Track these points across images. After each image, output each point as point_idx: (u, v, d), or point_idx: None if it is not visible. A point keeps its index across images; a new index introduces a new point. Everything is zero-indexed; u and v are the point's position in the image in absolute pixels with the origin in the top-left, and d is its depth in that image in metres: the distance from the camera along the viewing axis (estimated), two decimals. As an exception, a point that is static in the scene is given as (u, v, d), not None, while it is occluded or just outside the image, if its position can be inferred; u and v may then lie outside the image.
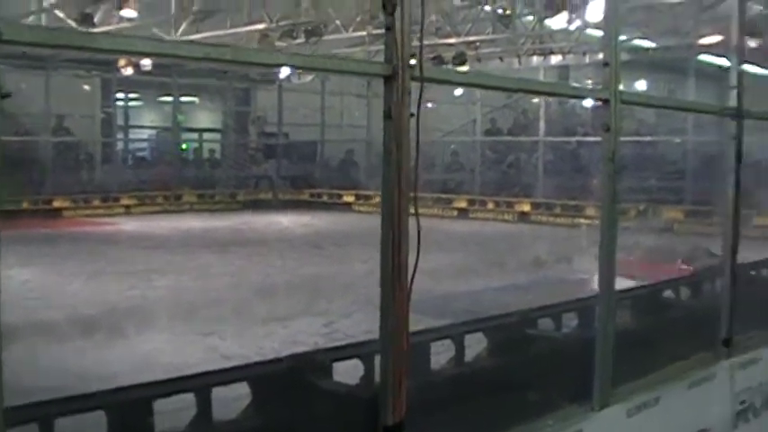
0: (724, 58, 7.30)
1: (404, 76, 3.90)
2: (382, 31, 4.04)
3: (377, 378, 4.36)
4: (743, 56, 7.15)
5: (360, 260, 13.74)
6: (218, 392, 4.60)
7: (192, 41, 11.49)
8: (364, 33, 22.79)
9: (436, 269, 12.50)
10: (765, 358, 7.40)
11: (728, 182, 7.03)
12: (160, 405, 4.35)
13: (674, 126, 27.53)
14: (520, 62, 27.00)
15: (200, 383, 4.65)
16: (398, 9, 3.86)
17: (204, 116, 34.55)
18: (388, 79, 3.91)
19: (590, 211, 22.56)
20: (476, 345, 5.90)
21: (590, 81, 24.18)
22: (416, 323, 4.31)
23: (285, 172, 32.87)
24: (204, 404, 4.60)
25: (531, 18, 23.90)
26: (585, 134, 27.61)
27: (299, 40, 22.37)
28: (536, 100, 28.81)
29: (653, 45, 24.07)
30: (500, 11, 22.63)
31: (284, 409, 4.84)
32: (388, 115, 3.90)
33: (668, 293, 8.09)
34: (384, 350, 4.12)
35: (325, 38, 22.84)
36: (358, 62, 4.64)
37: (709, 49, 20.99)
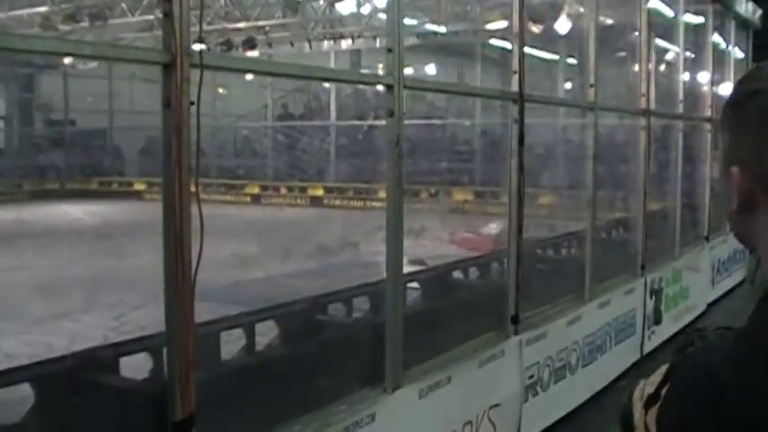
0: (508, 43, 7.44)
1: (183, 63, 3.78)
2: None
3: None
4: (523, 42, 7.33)
5: (151, 250, 13.38)
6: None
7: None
8: (152, 17, 22.17)
9: (229, 256, 12.41)
10: (551, 333, 7.67)
11: (512, 164, 7.20)
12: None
13: (464, 108, 28.13)
14: (311, 47, 27.05)
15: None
16: (176, -5, 3.73)
17: (-16, 103, 32.89)
18: (167, 67, 3.79)
19: (383, 194, 22.83)
20: (268, 332, 5.86)
21: (381, 65, 24.43)
22: (208, 312, 4.22)
23: (73, 160, 31.75)
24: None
25: (320, 3, 23.95)
26: (376, 117, 27.89)
27: (83, 24, 21.64)
28: (327, 84, 28.94)
29: (442, 29, 24.50)
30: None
31: (70, 411, 4.66)
32: (167, 104, 3.78)
33: (457, 274, 8.25)
34: (170, 343, 4.01)
35: (112, 22, 22.22)
36: (135, 50, 4.50)
37: (494, 33, 21.53)
